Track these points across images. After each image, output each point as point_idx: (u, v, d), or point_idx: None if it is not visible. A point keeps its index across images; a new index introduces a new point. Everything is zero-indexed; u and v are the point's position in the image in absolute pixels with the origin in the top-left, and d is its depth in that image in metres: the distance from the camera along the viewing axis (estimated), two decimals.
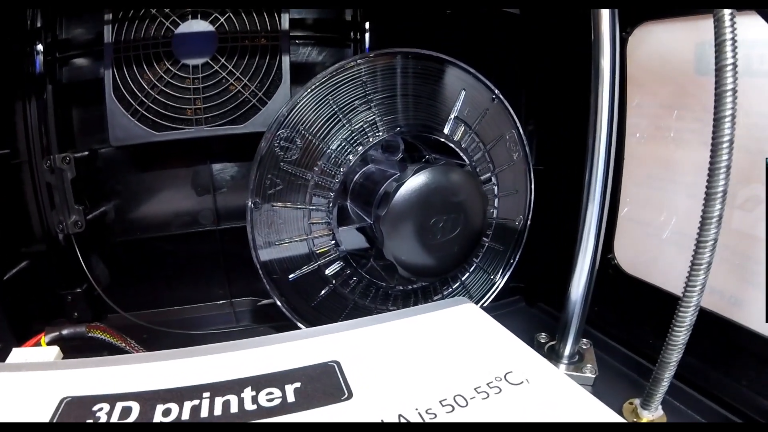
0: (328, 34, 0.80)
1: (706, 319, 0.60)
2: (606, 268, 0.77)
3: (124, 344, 0.67)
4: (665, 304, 0.70)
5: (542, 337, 0.69)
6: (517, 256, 0.77)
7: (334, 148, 0.64)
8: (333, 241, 0.66)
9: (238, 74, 0.72)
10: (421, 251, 0.63)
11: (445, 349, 0.50)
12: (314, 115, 0.64)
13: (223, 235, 0.80)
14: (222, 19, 0.72)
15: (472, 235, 0.66)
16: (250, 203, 0.63)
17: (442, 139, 0.69)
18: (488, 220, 0.71)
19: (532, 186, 0.77)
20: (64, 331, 0.67)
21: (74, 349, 0.64)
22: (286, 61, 0.73)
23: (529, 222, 0.77)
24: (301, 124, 0.63)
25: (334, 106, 0.64)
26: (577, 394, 0.42)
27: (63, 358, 0.60)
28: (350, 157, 0.65)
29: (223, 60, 0.72)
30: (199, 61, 0.72)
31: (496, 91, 0.72)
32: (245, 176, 0.79)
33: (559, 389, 0.43)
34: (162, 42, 0.71)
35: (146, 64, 0.71)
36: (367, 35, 0.79)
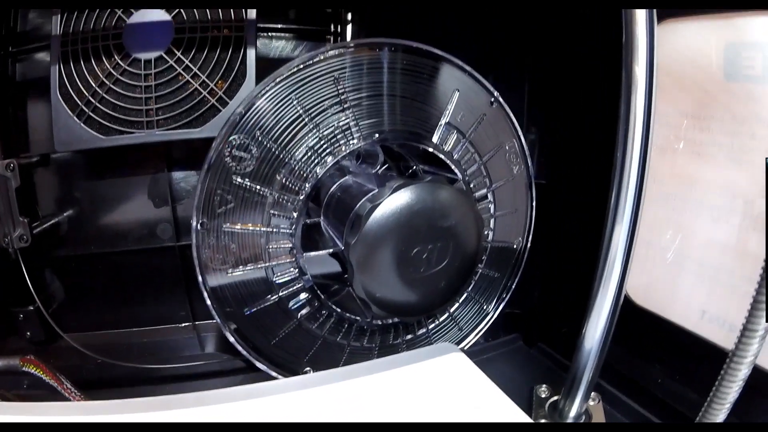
0: (304, 26, 0.66)
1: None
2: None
3: (57, 385, 0.54)
4: (680, 341, 0.56)
5: (543, 390, 0.53)
6: (515, 284, 0.63)
7: (298, 158, 0.50)
8: (297, 270, 0.52)
9: (195, 70, 0.58)
10: (399, 287, 0.48)
11: (427, 412, 0.40)
12: (274, 118, 0.49)
13: (184, 252, 0.66)
14: (179, 7, 0.57)
15: (464, 267, 0.51)
16: (195, 224, 0.49)
17: (431, 149, 0.54)
18: (483, 244, 0.56)
19: (534, 204, 0.62)
20: None
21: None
22: (251, 55, 0.58)
23: (528, 244, 0.63)
24: (259, 129, 0.49)
25: (299, 108, 0.49)
26: None
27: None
28: (317, 170, 0.50)
29: (179, 53, 0.57)
30: (151, 55, 0.57)
31: (496, 93, 0.57)
32: None
33: None
34: (112, 34, 0.57)
35: (94, 58, 0.57)
36: (348, 27, 0.65)
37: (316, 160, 0.50)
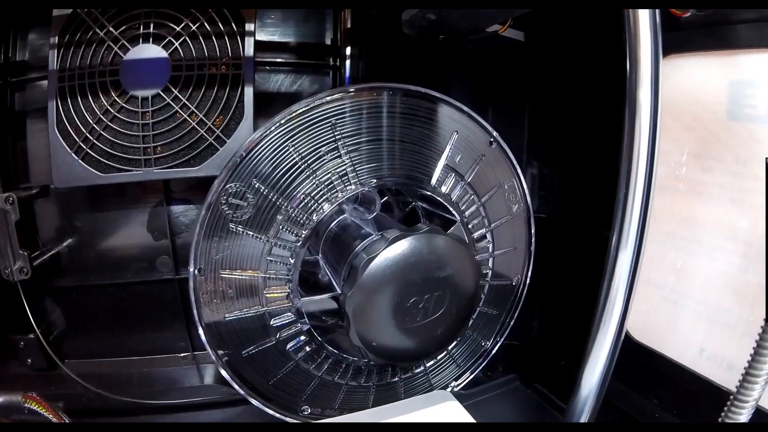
0: (304, 60, 0.64)
1: None
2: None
3: (57, 421, 0.53)
4: (678, 378, 0.55)
5: None
6: (513, 320, 0.61)
7: (295, 205, 0.48)
8: (294, 313, 0.50)
9: (193, 108, 0.56)
10: (396, 335, 0.47)
11: None
12: (271, 165, 0.47)
13: (183, 285, 0.65)
14: (177, 44, 0.55)
15: (461, 314, 0.50)
16: (192, 269, 0.48)
17: (429, 192, 0.52)
18: (481, 284, 0.55)
19: (533, 241, 0.60)
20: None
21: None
22: (249, 92, 0.57)
23: (528, 281, 0.61)
24: (255, 177, 0.47)
25: (296, 155, 0.47)
26: None
27: None
28: (314, 217, 0.49)
29: (176, 91, 0.56)
30: (149, 93, 0.56)
31: (495, 134, 0.55)
32: None
33: None
34: (109, 70, 0.55)
35: (92, 95, 0.56)
36: (347, 62, 0.63)
37: (313, 207, 0.48)
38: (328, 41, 0.64)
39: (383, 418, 0.43)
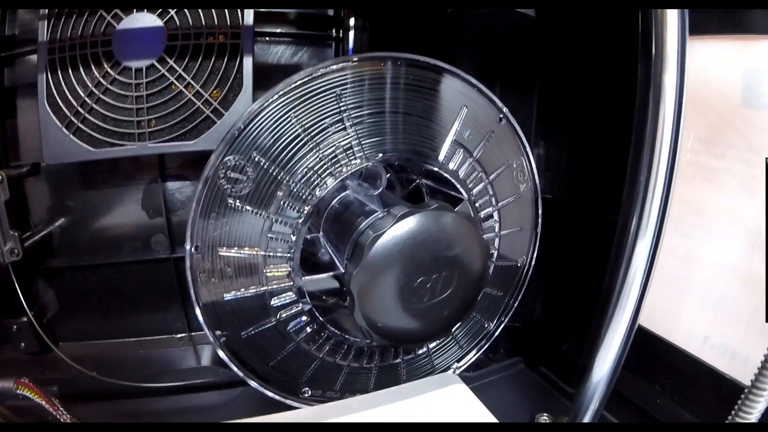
0: (305, 30, 0.60)
1: None
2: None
3: (51, 408, 0.50)
4: (681, 365, 0.54)
5: (544, 419, 0.50)
6: (516, 302, 0.59)
7: (297, 179, 0.45)
8: (295, 293, 0.48)
9: (189, 79, 0.52)
10: (402, 316, 0.44)
11: None
12: (272, 137, 0.44)
13: (179, 264, 0.62)
14: (172, 12, 0.51)
15: (468, 295, 0.47)
16: (189, 247, 0.44)
17: (436, 169, 0.49)
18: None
19: (540, 222, 0.57)
20: None
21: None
22: (248, 63, 0.53)
23: (533, 262, 0.59)
24: (256, 149, 0.44)
25: (298, 126, 0.44)
26: None
27: None
28: (317, 192, 0.46)
29: (171, 62, 0.52)
30: (143, 63, 0.52)
31: (505, 110, 0.52)
32: None
33: None
34: (102, 41, 0.52)
35: (83, 67, 0.52)
36: (351, 33, 0.59)
37: (316, 182, 0.45)
38: (330, 12, 0.61)
39: (391, 401, 0.41)
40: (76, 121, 0.51)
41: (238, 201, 0.44)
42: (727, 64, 0.51)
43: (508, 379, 0.55)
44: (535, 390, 0.53)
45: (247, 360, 0.49)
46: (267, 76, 0.58)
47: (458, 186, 0.51)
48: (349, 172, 0.46)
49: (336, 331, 0.50)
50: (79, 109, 0.51)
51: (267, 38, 0.59)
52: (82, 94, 0.51)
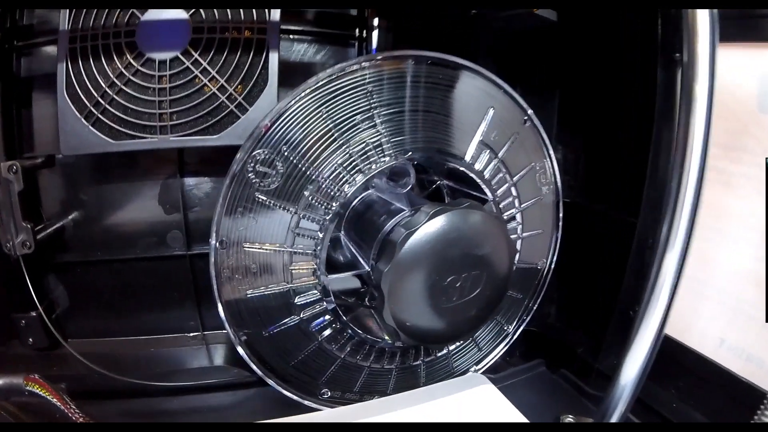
0: (329, 29, 0.59)
1: None
2: (630, 321, 0.58)
3: (61, 405, 0.47)
4: (696, 368, 0.52)
5: (569, 419, 0.48)
6: (536, 305, 0.57)
7: (326, 175, 0.43)
8: (320, 291, 0.46)
9: (214, 73, 0.50)
10: (430, 316, 0.42)
11: None
12: (302, 132, 0.42)
13: (195, 262, 0.60)
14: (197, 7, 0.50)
15: (494, 295, 0.46)
16: (214, 242, 0.42)
17: (462, 168, 0.48)
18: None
19: (561, 224, 0.56)
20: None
21: None
22: (273, 59, 0.51)
23: (552, 265, 0.57)
24: (285, 144, 0.42)
25: (329, 122, 0.43)
26: None
27: None
28: (346, 188, 0.44)
29: (196, 55, 0.50)
30: (166, 56, 0.50)
31: (529, 112, 0.51)
32: None
33: None
34: (125, 31, 0.49)
35: (105, 57, 0.49)
36: (374, 33, 0.58)
37: (345, 178, 0.43)
38: (353, 12, 0.59)
39: (420, 401, 0.39)
40: (96, 112, 0.49)
41: (265, 196, 0.42)
42: (742, 71, 0.51)
43: (529, 382, 0.53)
44: (557, 392, 0.51)
45: (267, 359, 0.47)
46: (290, 74, 0.56)
47: (484, 187, 0.49)
48: (379, 169, 0.44)
49: (359, 331, 0.48)
50: (100, 99, 0.49)
51: (291, 36, 0.57)
52: (103, 85, 0.49)
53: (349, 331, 0.48)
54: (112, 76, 0.49)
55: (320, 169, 0.43)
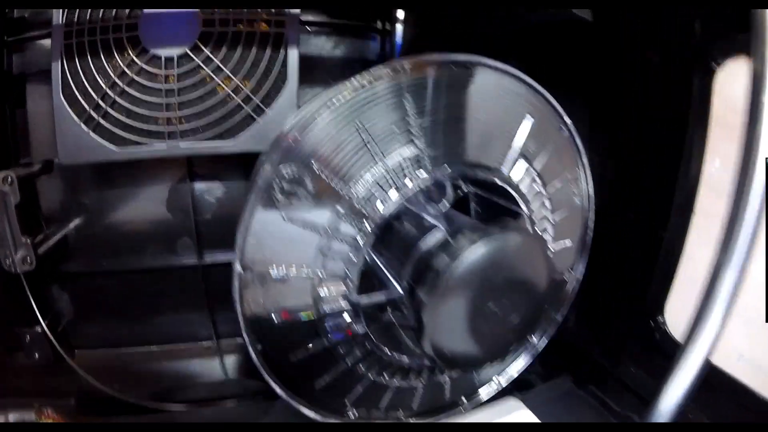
0: (348, 20, 0.53)
1: None
2: (652, 331, 0.57)
3: None
4: (716, 382, 0.51)
5: None
6: (562, 316, 0.56)
7: (359, 193, 0.39)
8: (350, 314, 0.43)
9: (227, 71, 0.45)
10: (469, 342, 0.40)
11: None
12: (334, 145, 0.38)
13: (207, 272, 0.56)
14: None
15: (532, 316, 0.43)
16: (238, 267, 0.39)
17: (499, 182, 0.45)
18: None
19: (590, 235, 0.54)
20: (11, 416, 0.45)
21: None
22: (293, 56, 0.46)
23: (581, 277, 0.55)
24: (315, 158, 0.38)
25: (364, 133, 0.38)
26: None
27: None
28: (379, 206, 0.40)
29: (207, 51, 0.45)
30: (174, 52, 0.44)
31: (568, 120, 0.47)
32: (236, 198, 0.54)
33: None
34: (126, 24, 0.43)
35: (105, 54, 0.44)
36: (398, 27, 0.53)
37: (380, 196, 0.40)
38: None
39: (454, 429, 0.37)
40: (96, 116, 0.44)
41: (293, 215, 0.39)
42: None
43: (558, 400, 0.52)
44: (586, 411, 0.50)
45: (293, 382, 0.44)
46: (307, 70, 0.51)
47: (519, 201, 0.46)
48: (417, 187, 0.40)
49: (389, 352, 0.46)
50: (100, 102, 0.44)
51: (308, 27, 0.52)
52: (104, 86, 0.43)
53: (379, 352, 0.45)
54: (113, 75, 0.43)
55: (353, 186, 0.39)
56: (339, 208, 0.39)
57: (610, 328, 0.59)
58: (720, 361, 0.52)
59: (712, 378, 0.52)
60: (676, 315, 0.58)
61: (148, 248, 0.55)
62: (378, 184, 0.40)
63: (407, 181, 0.40)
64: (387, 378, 0.48)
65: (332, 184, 0.39)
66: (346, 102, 0.38)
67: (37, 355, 0.54)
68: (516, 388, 0.55)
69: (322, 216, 0.39)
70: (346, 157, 0.39)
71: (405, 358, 0.47)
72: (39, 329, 0.52)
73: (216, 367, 0.59)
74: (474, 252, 0.37)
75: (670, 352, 0.55)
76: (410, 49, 0.54)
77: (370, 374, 0.47)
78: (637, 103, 0.55)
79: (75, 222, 0.53)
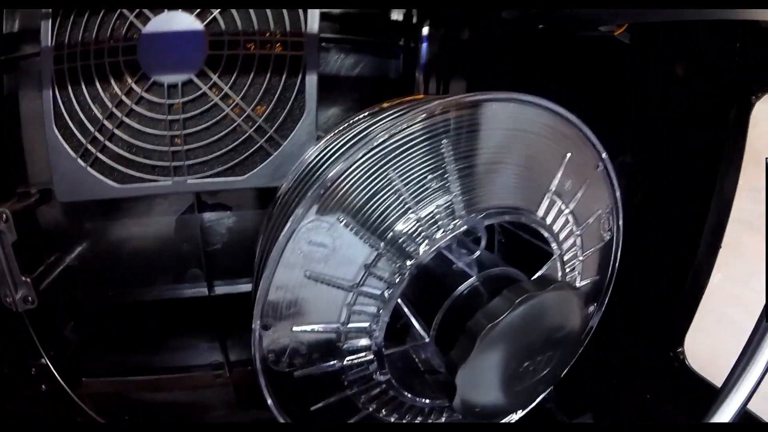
0: (369, 37, 0.48)
1: None
2: (671, 362, 0.55)
3: None
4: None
5: None
6: (581, 349, 0.54)
7: (389, 246, 0.36)
8: (374, 371, 0.40)
9: (237, 99, 0.40)
10: (500, 398, 0.38)
11: None
12: (363, 196, 0.34)
13: (218, 304, 0.52)
14: (215, 12, 0.38)
15: (561, 369, 0.41)
16: (257, 326, 0.35)
17: (533, 225, 0.41)
18: None
19: (615, 270, 0.51)
20: None
21: None
22: (311, 81, 0.41)
23: (602, 311, 0.53)
24: (343, 211, 0.34)
25: (398, 182, 0.34)
26: None
27: None
28: (408, 261, 0.36)
29: (215, 77, 0.39)
30: (178, 78, 0.39)
31: (604, 155, 0.43)
32: (247, 228, 0.50)
33: None
34: (123, 47, 0.38)
35: (100, 81, 0.38)
36: (423, 45, 0.47)
37: (411, 248, 0.36)
38: (397, 16, 0.48)
39: None
40: (93, 150, 0.38)
41: (318, 270, 0.35)
42: None
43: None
44: None
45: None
46: (324, 92, 0.46)
47: (551, 241, 0.43)
48: (449, 237, 0.37)
49: (411, 396, 0.43)
50: (97, 135, 0.38)
51: (323, 44, 0.46)
52: (100, 116, 0.38)
53: (401, 398, 0.43)
54: (110, 105, 0.38)
55: (383, 239, 0.35)
56: (367, 261, 0.36)
57: (628, 357, 0.58)
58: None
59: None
60: (697, 347, 0.57)
61: (157, 279, 0.51)
62: (410, 235, 0.36)
63: (440, 233, 0.37)
64: (408, 419, 0.46)
65: (361, 236, 0.35)
66: (378, 147, 0.34)
67: (43, 387, 0.51)
68: (531, 419, 0.53)
69: (349, 270, 0.35)
70: (377, 207, 0.35)
71: (426, 401, 0.45)
72: (44, 361, 0.49)
73: (227, 394, 0.57)
74: (512, 316, 0.33)
75: (686, 382, 0.54)
76: (433, 67, 0.49)
77: (391, 418, 0.44)
78: (670, 131, 0.51)
79: (78, 251, 0.48)
